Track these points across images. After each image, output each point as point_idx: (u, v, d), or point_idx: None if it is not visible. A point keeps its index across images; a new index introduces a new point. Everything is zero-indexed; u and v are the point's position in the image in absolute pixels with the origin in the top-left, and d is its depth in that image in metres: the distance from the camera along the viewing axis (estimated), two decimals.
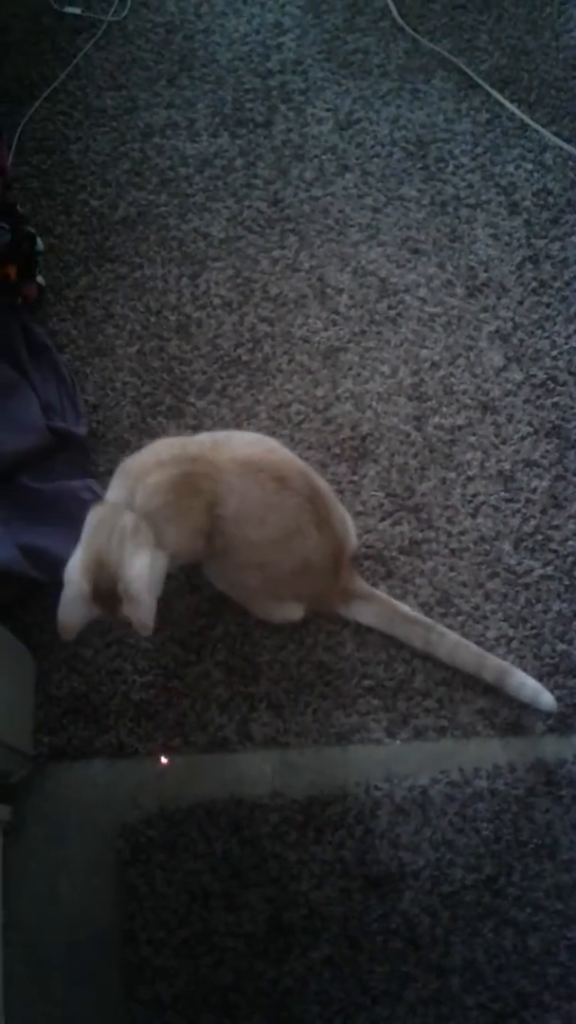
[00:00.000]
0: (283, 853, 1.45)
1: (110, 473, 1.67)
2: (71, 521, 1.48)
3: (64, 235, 1.98)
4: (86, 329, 1.88)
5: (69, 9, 2.27)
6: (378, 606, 1.57)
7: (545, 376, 1.85)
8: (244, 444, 1.47)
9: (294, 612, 1.56)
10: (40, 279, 1.86)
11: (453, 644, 1.55)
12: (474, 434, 1.79)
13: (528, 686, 1.54)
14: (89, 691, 1.56)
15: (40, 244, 1.87)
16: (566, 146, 2.10)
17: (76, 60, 2.20)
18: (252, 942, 1.40)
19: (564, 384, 1.84)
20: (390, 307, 1.91)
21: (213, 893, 1.43)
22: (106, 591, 1.29)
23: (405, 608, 1.57)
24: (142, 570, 1.28)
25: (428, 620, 1.56)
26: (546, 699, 1.53)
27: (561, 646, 1.61)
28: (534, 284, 1.95)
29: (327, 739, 1.54)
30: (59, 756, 1.53)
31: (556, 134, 2.12)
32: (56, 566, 1.56)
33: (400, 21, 2.28)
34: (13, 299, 1.81)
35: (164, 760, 1.53)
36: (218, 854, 1.45)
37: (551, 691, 1.57)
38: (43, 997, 1.39)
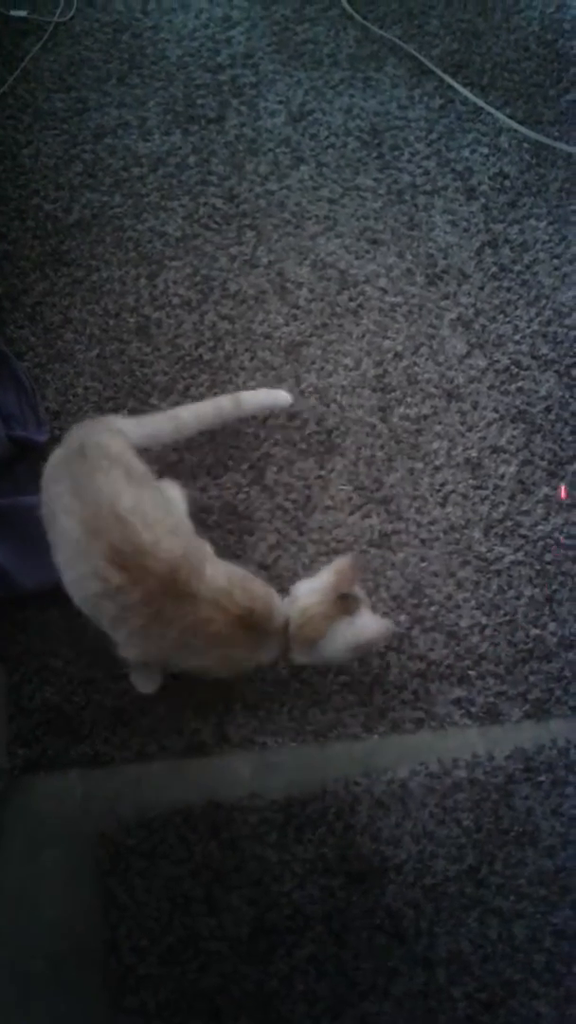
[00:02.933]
0: (264, 854, 1.44)
1: None
2: (25, 536, 1.47)
3: (18, 240, 1.95)
4: (44, 335, 1.85)
5: (14, 12, 2.24)
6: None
7: (508, 361, 1.84)
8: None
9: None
10: None
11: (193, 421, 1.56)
12: (440, 423, 1.78)
13: (259, 395, 1.63)
14: (62, 701, 1.55)
15: None
16: (521, 128, 2.09)
17: (24, 63, 2.17)
18: (236, 945, 1.39)
19: (528, 368, 1.84)
20: (351, 299, 1.90)
21: (195, 898, 1.42)
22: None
23: None
24: None
25: None
26: (281, 395, 1.65)
27: (535, 631, 1.61)
28: (494, 269, 1.94)
29: (304, 737, 1.53)
30: (34, 768, 1.51)
31: (510, 116, 2.11)
32: (9, 582, 1.55)
33: (349, 9, 2.26)
34: None
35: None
36: (198, 859, 1.44)
37: (526, 677, 1.57)
38: (26, 1010, 1.37)
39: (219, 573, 1.34)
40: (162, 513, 1.33)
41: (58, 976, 1.39)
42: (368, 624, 1.38)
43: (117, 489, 1.30)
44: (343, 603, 1.36)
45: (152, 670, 1.51)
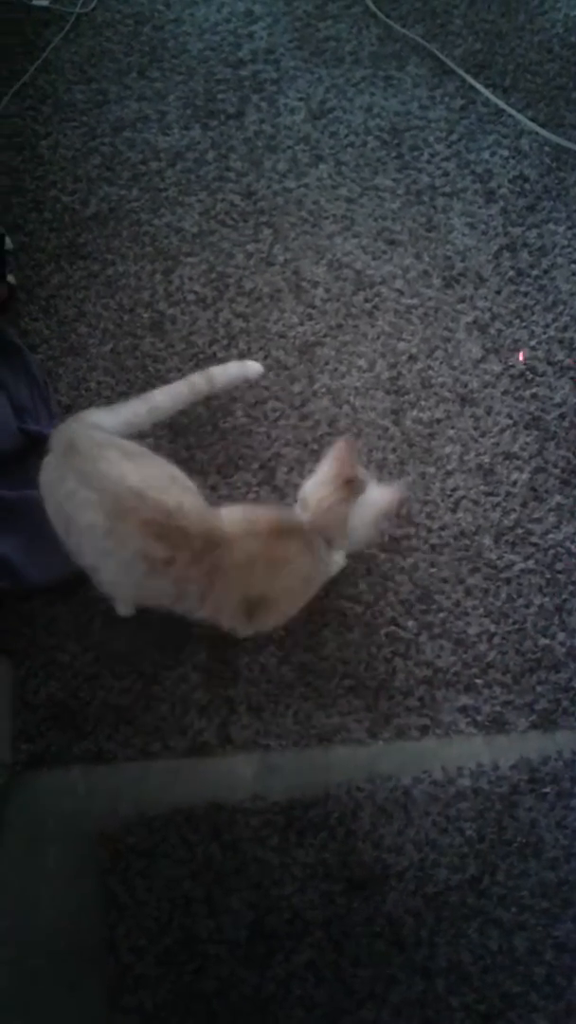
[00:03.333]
0: (265, 857, 1.44)
1: None
2: (34, 530, 1.46)
3: (35, 233, 1.94)
4: (58, 328, 1.85)
5: (37, 2, 2.23)
6: None
7: (524, 367, 1.83)
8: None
9: None
10: (10, 278, 1.83)
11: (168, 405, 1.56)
12: (453, 427, 1.77)
13: (230, 369, 1.65)
14: (67, 697, 1.54)
15: (9, 243, 1.84)
16: (542, 131, 2.07)
17: (45, 54, 2.17)
18: (235, 948, 1.39)
19: (543, 375, 1.82)
20: (366, 300, 1.89)
21: (195, 899, 1.41)
22: None
23: None
24: None
25: None
26: (252, 365, 1.68)
27: (543, 640, 1.60)
28: (511, 273, 1.92)
29: (308, 740, 1.53)
30: (37, 763, 1.50)
31: (532, 119, 2.09)
32: (15, 575, 1.55)
33: (372, 7, 2.24)
34: None
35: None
36: (199, 860, 1.43)
37: (534, 687, 1.56)
38: (25, 1007, 1.37)
39: (230, 509, 1.40)
40: (167, 476, 1.38)
41: (57, 974, 1.39)
42: (381, 495, 1.42)
43: (121, 469, 1.32)
44: (351, 486, 1.39)
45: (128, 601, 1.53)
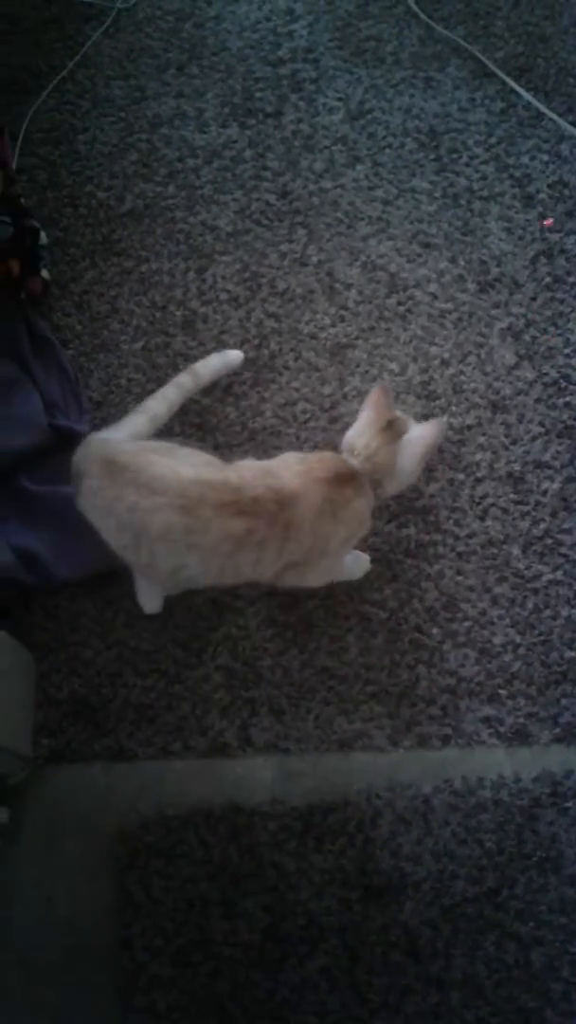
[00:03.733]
0: (282, 861, 1.43)
1: None
2: (62, 526, 1.47)
3: (70, 228, 1.95)
4: (91, 324, 1.85)
5: None
6: None
7: (557, 375, 1.81)
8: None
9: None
10: (45, 273, 1.83)
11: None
12: (483, 434, 1.75)
13: (212, 361, 1.68)
14: (89, 694, 1.55)
15: (44, 238, 1.84)
16: None
17: (85, 49, 2.17)
18: (249, 951, 1.38)
19: None
20: (399, 303, 1.87)
21: (210, 901, 1.41)
22: None
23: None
24: None
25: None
26: (232, 354, 1.72)
27: (569, 653, 1.58)
28: (548, 279, 1.90)
29: (328, 745, 1.52)
30: (58, 759, 1.51)
31: (573, 124, 2.07)
32: (44, 571, 1.56)
33: (414, 7, 2.22)
34: (16, 294, 1.78)
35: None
36: (216, 861, 1.43)
37: (558, 700, 1.55)
38: (37, 1003, 1.38)
39: (283, 461, 1.44)
40: (207, 459, 1.42)
41: (69, 970, 1.39)
42: (424, 432, 1.48)
43: (171, 466, 1.35)
44: (393, 428, 1.45)
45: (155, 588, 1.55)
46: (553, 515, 1.68)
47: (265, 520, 1.34)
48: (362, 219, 1.97)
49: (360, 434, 1.46)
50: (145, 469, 1.33)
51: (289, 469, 1.40)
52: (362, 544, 1.62)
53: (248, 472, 1.37)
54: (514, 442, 1.75)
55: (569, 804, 1.47)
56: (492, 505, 1.69)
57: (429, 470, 1.71)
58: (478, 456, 1.73)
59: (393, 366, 1.81)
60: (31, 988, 1.39)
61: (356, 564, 1.60)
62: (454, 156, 2.05)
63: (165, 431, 1.63)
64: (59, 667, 1.56)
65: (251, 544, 1.35)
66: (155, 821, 1.46)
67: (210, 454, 1.44)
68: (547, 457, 1.73)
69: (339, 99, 2.11)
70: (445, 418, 1.57)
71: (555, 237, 1.95)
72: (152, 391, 1.74)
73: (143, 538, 1.34)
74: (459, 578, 1.64)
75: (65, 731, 1.52)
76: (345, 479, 1.41)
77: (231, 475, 1.36)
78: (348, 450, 1.46)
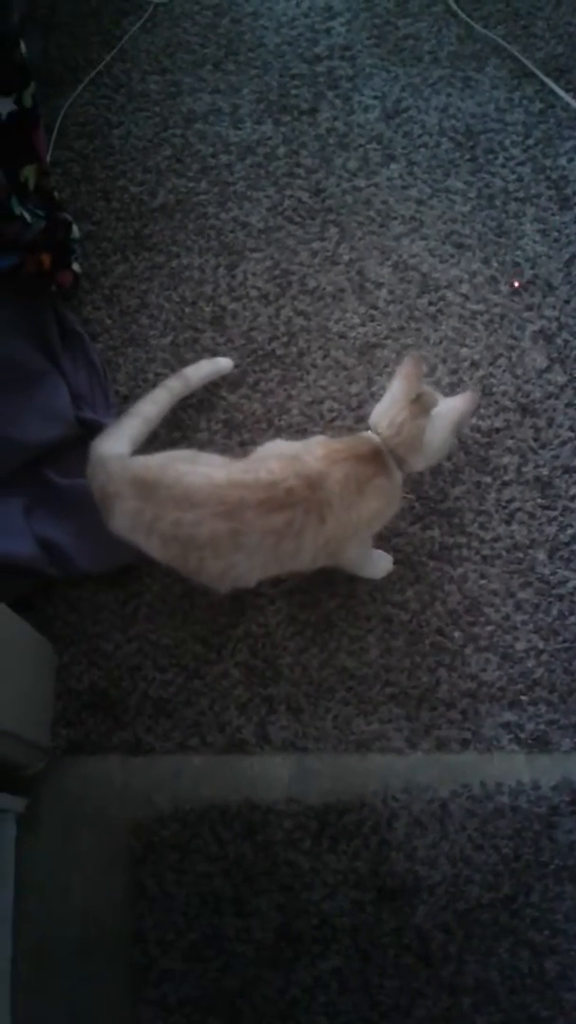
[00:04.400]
0: (296, 860, 1.43)
1: None
2: (86, 518, 1.47)
3: (102, 222, 1.95)
4: (120, 318, 1.85)
5: None
6: None
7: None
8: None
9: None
10: (76, 266, 1.84)
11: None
12: (512, 437, 1.74)
13: (202, 367, 1.71)
14: (109, 686, 1.55)
15: (76, 231, 1.85)
16: None
17: (122, 43, 2.17)
18: (261, 949, 1.38)
19: None
20: (430, 303, 1.86)
21: (224, 897, 1.41)
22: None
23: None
24: None
25: None
26: (222, 361, 1.74)
27: None
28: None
29: (346, 746, 1.51)
30: (76, 750, 1.52)
31: None
32: (67, 562, 1.56)
33: (454, 6, 2.21)
34: (47, 286, 1.79)
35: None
36: (230, 858, 1.43)
37: None
38: (49, 993, 1.39)
39: (309, 446, 1.45)
40: (226, 460, 1.45)
41: (82, 961, 1.40)
42: (454, 405, 1.47)
43: (202, 473, 1.37)
44: (421, 401, 1.44)
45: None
46: None
47: (302, 508, 1.36)
48: (395, 218, 1.95)
49: (386, 410, 1.46)
50: (178, 482, 1.36)
51: (312, 454, 1.41)
52: (385, 545, 1.61)
53: (276, 464, 1.38)
54: (543, 446, 1.73)
55: None
56: (518, 509, 1.68)
57: (455, 472, 1.70)
58: (506, 459, 1.72)
59: (423, 367, 1.79)
60: (44, 977, 1.39)
61: (379, 564, 1.59)
62: (490, 156, 2.03)
63: (191, 426, 1.64)
64: (79, 659, 1.57)
65: (291, 534, 1.37)
66: (171, 815, 1.46)
67: (226, 456, 1.48)
68: None
69: (375, 97, 2.10)
70: (476, 393, 1.55)
71: None
72: None
73: (190, 548, 1.37)
74: (483, 582, 1.62)
75: (83, 723, 1.53)
76: (366, 458, 1.42)
77: (262, 471, 1.37)
78: (374, 427, 1.47)
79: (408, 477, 1.50)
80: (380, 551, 1.59)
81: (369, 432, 1.47)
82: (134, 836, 1.45)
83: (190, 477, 1.36)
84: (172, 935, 1.39)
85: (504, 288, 1.87)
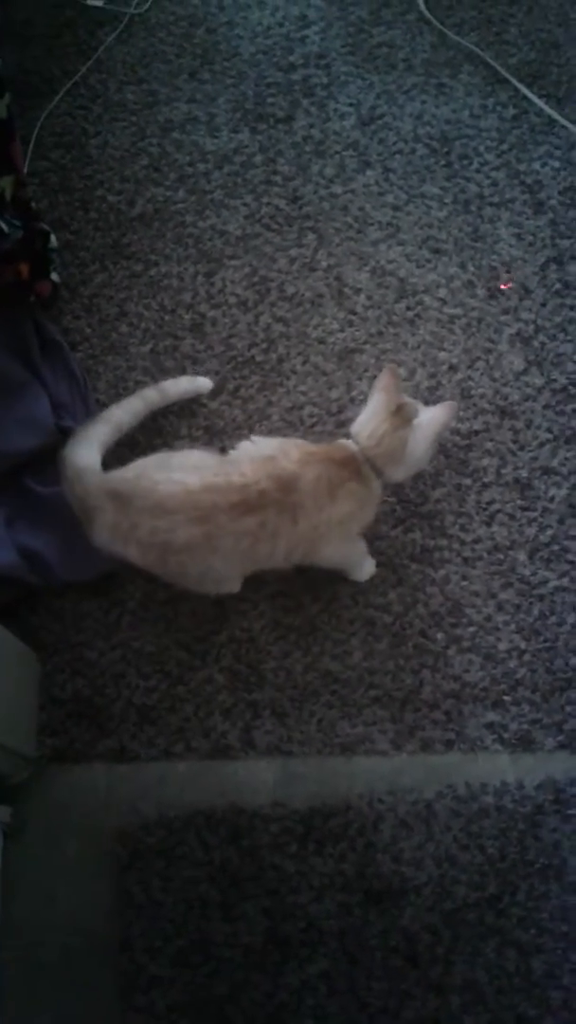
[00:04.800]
0: (282, 864, 1.43)
1: None
2: (67, 527, 1.47)
3: (80, 231, 1.96)
4: (100, 327, 1.86)
5: (91, 2, 2.25)
6: None
7: (567, 381, 1.80)
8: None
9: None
10: (54, 276, 1.84)
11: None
12: (491, 440, 1.75)
13: (181, 383, 1.72)
14: (93, 694, 1.55)
15: (54, 241, 1.85)
16: None
17: (97, 54, 2.18)
18: (249, 953, 1.38)
19: None
20: (408, 308, 1.88)
21: (210, 902, 1.41)
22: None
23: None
24: None
25: None
26: (202, 381, 1.74)
27: (574, 660, 1.57)
28: (558, 286, 1.90)
29: (331, 749, 1.52)
30: (61, 758, 1.52)
31: None
32: (49, 571, 1.56)
33: (427, 14, 2.23)
34: (26, 296, 1.79)
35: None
36: (216, 863, 1.43)
37: (563, 707, 1.54)
38: (37, 1001, 1.38)
39: (285, 447, 1.45)
40: (198, 461, 1.45)
41: (70, 969, 1.39)
42: (434, 416, 1.49)
43: (176, 480, 1.38)
44: (402, 413, 1.46)
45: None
46: (560, 522, 1.68)
47: (274, 510, 1.38)
48: (372, 224, 1.97)
49: (368, 420, 1.48)
50: (152, 492, 1.38)
51: (287, 456, 1.43)
52: (367, 548, 1.62)
53: (249, 467, 1.40)
54: (522, 448, 1.74)
55: (572, 811, 1.46)
56: (499, 511, 1.69)
57: (435, 475, 1.71)
58: (485, 462, 1.73)
59: (401, 371, 1.80)
60: (32, 986, 1.39)
61: (362, 567, 1.60)
62: (465, 162, 2.05)
63: (171, 433, 1.64)
64: (63, 667, 1.57)
65: (266, 536, 1.40)
66: (156, 822, 1.46)
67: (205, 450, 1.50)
68: (555, 463, 1.73)
69: (350, 105, 2.12)
70: (455, 404, 1.59)
71: (566, 244, 1.94)
72: None
73: (169, 553, 1.39)
74: (464, 583, 1.63)
75: (68, 731, 1.53)
76: (340, 463, 1.45)
77: (234, 475, 1.38)
78: (355, 436, 1.48)
79: (388, 482, 1.51)
80: (367, 556, 1.61)
81: (348, 440, 1.49)
82: (120, 843, 1.45)
83: (163, 486, 1.38)
84: (159, 941, 1.39)
85: (481, 292, 1.89)
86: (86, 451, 1.49)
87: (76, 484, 1.45)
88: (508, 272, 1.91)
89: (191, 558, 1.39)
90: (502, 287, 1.88)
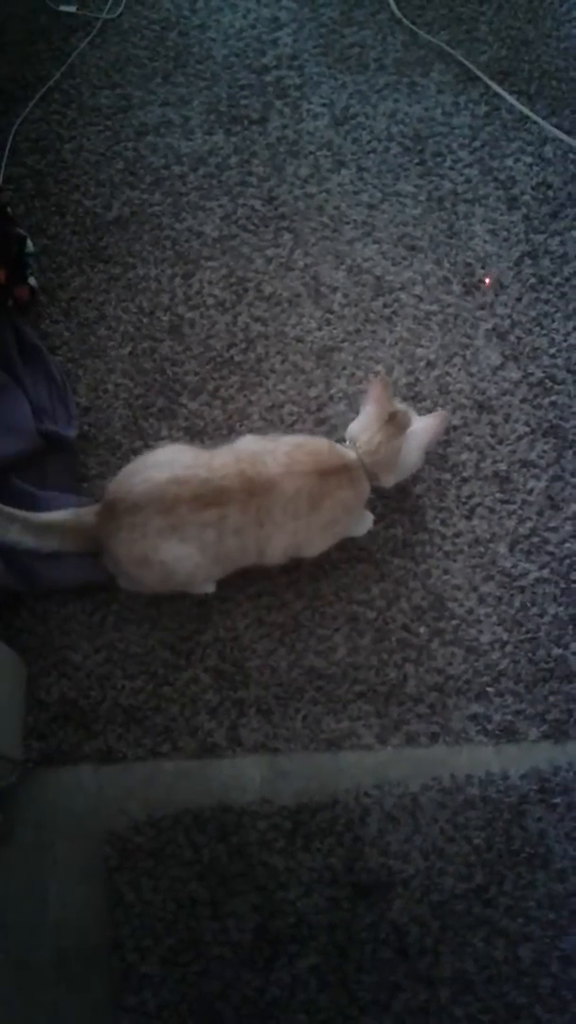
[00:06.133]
0: (271, 861, 1.44)
1: (102, 476, 1.68)
2: None
3: (57, 236, 1.96)
4: (78, 331, 1.86)
5: (64, 7, 2.26)
6: None
7: (543, 374, 1.82)
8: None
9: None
10: (32, 281, 1.85)
11: None
12: (470, 434, 1.76)
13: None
14: (78, 696, 1.55)
15: (31, 246, 1.86)
16: (567, 138, 2.06)
17: (71, 59, 2.19)
18: (239, 950, 1.39)
19: (562, 383, 1.81)
20: (385, 305, 1.89)
21: (200, 901, 1.42)
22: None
23: None
24: None
25: None
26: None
27: (557, 650, 1.59)
28: (532, 280, 1.91)
29: (317, 745, 1.52)
30: (48, 761, 1.52)
31: (557, 126, 2.08)
32: (32, 576, 1.56)
33: (398, 13, 2.24)
34: (4, 301, 1.79)
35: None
36: (205, 861, 1.44)
37: (546, 697, 1.55)
38: (29, 1003, 1.38)
39: (278, 447, 1.48)
40: (177, 453, 1.49)
41: (61, 970, 1.40)
42: (427, 425, 1.56)
43: (146, 477, 1.44)
44: (396, 421, 1.51)
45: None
46: (539, 514, 1.69)
47: (236, 507, 1.42)
48: (347, 223, 1.98)
49: (364, 428, 1.53)
50: (131, 490, 1.44)
51: (276, 456, 1.46)
52: (349, 543, 1.63)
53: (221, 461, 1.44)
54: (500, 442, 1.76)
55: (557, 800, 1.47)
56: (479, 504, 1.70)
57: (416, 470, 1.72)
58: (464, 456, 1.74)
59: (379, 368, 1.82)
60: (23, 988, 1.39)
61: (360, 522, 1.64)
62: (438, 160, 2.06)
63: (152, 435, 1.65)
64: (48, 670, 1.57)
65: (229, 531, 1.44)
66: (145, 822, 1.46)
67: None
68: (533, 456, 1.74)
69: (324, 105, 2.13)
70: (448, 413, 1.67)
71: (539, 238, 1.96)
72: (139, 396, 1.78)
73: (148, 553, 1.44)
74: (446, 577, 1.64)
75: (55, 734, 1.53)
76: (330, 472, 1.47)
77: (200, 468, 1.42)
78: (351, 441, 1.52)
79: (380, 488, 1.57)
80: (365, 510, 1.64)
81: (344, 446, 1.53)
82: (109, 844, 1.45)
83: (138, 488, 1.43)
84: (150, 941, 1.40)
85: (457, 288, 1.90)
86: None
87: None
88: (484, 268, 1.92)
89: (165, 548, 1.43)
90: (484, 281, 1.90)
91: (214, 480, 1.41)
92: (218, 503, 1.41)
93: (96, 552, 1.53)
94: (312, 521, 1.49)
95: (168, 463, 1.45)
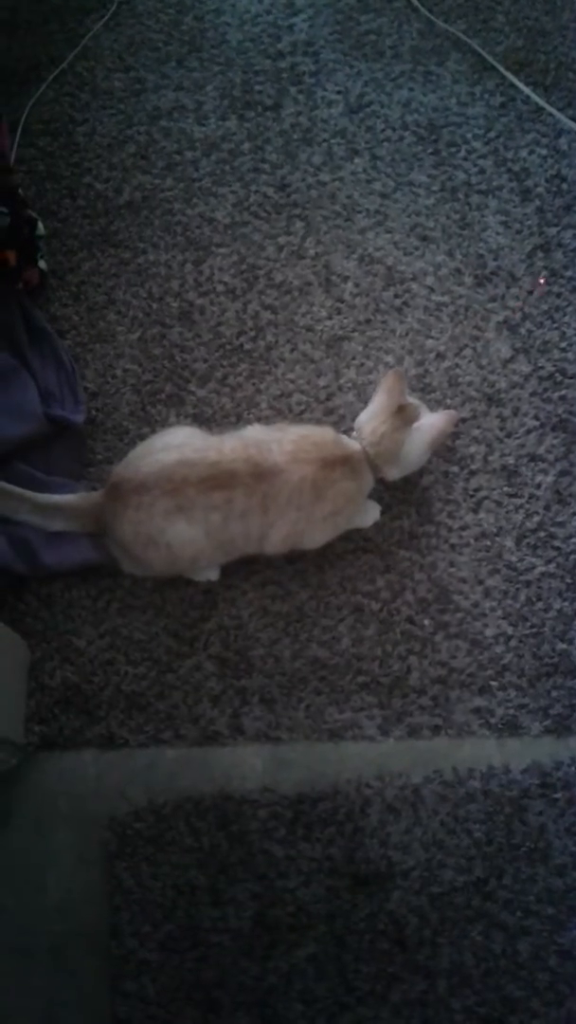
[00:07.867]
0: (271, 849, 1.44)
1: (108, 461, 1.68)
2: None
3: (68, 219, 1.95)
4: (88, 315, 1.86)
5: None
6: None
7: (553, 368, 1.81)
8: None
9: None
10: (42, 264, 1.84)
11: None
12: (478, 427, 1.75)
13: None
14: (81, 681, 1.55)
15: (41, 228, 1.85)
16: None
17: (85, 40, 2.17)
18: (237, 938, 1.39)
19: (573, 377, 1.80)
20: (396, 296, 1.88)
21: (199, 888, 1.42)
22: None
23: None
24: None
25: None
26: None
27: (561, 645, 1.58)
28: (545, 273, 1.90)
29: (319, 735, 1.52)
30: (49, 746, 1.52)
31: (572, 118, 2.07)
32: (35, 559, 1.56)
33: (415, 1, 2.22)
34: (13, 284, 1.78)
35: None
36: (205, 849, 1.44)
37: (549, 692, 1.55)
38: (26, 987, 1.39)
39: (285, 435, 1.49)
40: (188, 436, 1.51)
41: (59, 956, 1.40)
42: (434, 421, 1.57)
43: (155, 459, 1.45)
44: (404, 414, 1.51)
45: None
46: (547, 508, 1.68)
47: (243, 491, 1.43)
48: (360, 212, 1.97)
49: (371, 418, 1.53)
50: (138, 471, 1.45)
51: (282, 445, 1.46)
52: (356, 534, 1.63)
53: (230, 445, 1.45)
54: (509, 435, 1.75)
55: (558, 795, 1.47)
56: (486, 498, 1.69)
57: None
58: (472, 449, 1.73)
59: (389, 359, 1.81)
60: (21, 973, 1.39)
61: (367, 513, 1.64)
62: (452, 150, 2.05)
63: (160, 421, 1.64)
64: (52, 655, 1.57)
65: (235, 515, 1.44)
66: (145, 809, 1.46)
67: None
68: (541, 450, 1.73)
69: (338, 92, 2.11)
70: (457, 413, 1.68)
71: (552, 231, 1.95)
72: (148, 382, 1.77)
73: (153, 535, 1.45)
74: (452, 570, 1.64)
75: (57, 719, 1.53)
76: (334, 463, 1.47)
77: (211, 451, 1.43)
78: (357, 431, 1.53)
79: (384, 480, 1.57)
80: (371, 501, 1.64)
81: (351, 436, 1.54)
82: (109, 830, 1.45)
83: (148, 462, 1.45)
84: (148, 927, 1.40)
85: (469, 280, 1.89)
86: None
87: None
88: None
89: (172, 529, 1.44)
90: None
91: (223, 463, 1.42)
92: (225, 486, 1.42)
93: (100, 533, 1.53)
94: (314, 511, 1.49)
95: (179, 446, 1.46)
